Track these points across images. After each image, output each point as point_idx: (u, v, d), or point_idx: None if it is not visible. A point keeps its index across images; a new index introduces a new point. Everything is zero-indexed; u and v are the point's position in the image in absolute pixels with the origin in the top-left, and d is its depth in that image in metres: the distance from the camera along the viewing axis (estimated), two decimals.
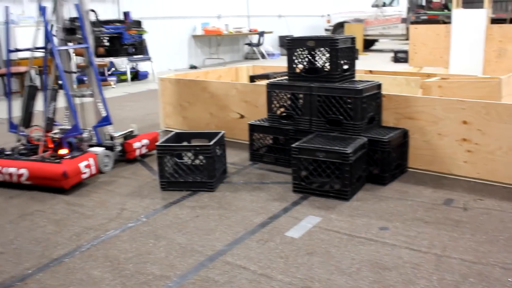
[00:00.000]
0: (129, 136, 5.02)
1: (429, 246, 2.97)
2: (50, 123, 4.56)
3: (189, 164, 4.35)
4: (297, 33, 19.53)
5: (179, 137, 4.48)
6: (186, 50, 14.82)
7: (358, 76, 4.97)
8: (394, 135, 4.09)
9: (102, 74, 11.51)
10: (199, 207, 3.69)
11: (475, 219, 3.33)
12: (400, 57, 14.01)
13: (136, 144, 4.87)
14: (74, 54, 10.36)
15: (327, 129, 4.29)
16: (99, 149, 4.64)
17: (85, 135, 4.75)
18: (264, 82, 5.74)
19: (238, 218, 3.47)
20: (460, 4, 8.03)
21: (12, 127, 4.71)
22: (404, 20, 17.21)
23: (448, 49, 8.23)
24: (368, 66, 12.59)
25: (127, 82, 11.74)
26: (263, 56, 16.87)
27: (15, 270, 2.85)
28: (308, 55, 4.45)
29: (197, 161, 4.33)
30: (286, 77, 4.64)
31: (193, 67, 14.57)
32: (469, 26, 7.77)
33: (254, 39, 16.78)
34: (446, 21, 15.46)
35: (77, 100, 5.04)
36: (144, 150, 4.98)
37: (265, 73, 6.44)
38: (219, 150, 4.20)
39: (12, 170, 4.20)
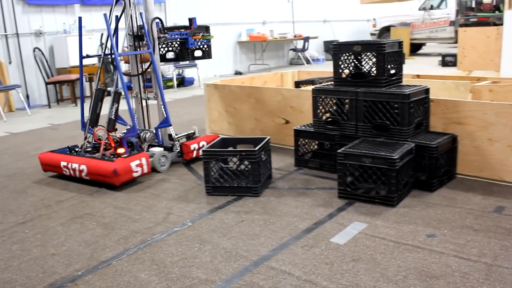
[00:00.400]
0: (189, 137, 5.21)
1: (479, 254, 2.89)
2: (111, 123, 4.76)
3: (234, 169, 4.38)
4: (342, 38, 19.43)
5: (225, 142, 4.52)
6: (231, 56, 14.95)
7: (405, 81, 4.91)
8: (443, 141, 4.01)
9: (149, 80, 11.74)
10: (244, 212, 3.71)
11: None
12: (448, 61, 13.74)
13: (193, 146, 5.01)
14: (123, 62, 10.62)
15: (373, 135, 4.25)
16: (157, 149, 4.89)
17: (147, 135, 5.00)
18: (309, 87, 5.73)
19: (283, 223, 3.47)
20: None
21: (84, 126, 5.02)
22: (452, 23, 16.86)
23: (499, 52, 8.02)
24: (416, 71, 12.38)
25: (173, 88, 11.94)
26: (308, 62, 16.84)
27: (66, 271, 2.94)
28: (355, 60, 4.42)
29: (242, 166, 4.35)
30: (332, 82, 4.62)
31: (238, 73, 14.68)
32: None
33: (299, 44, 16.78)
34: (497, 23, 15.05)
35: (144, 103, 5.30)
36: (201, 152, 4.99)
37: (310, 78, 6.42)
38: (264, 156, 4.22)
39: (75, 165, 4.58)
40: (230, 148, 4.51)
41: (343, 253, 2.98)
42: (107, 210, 3.90)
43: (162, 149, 4.94)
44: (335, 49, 4.46)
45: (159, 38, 5.03)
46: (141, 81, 5.24)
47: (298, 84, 6.30)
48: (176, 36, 5.19)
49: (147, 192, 4.28)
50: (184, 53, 5.32)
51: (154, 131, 5.11)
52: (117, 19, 4.99)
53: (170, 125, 5.05)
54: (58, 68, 10.43)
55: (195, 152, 5.04)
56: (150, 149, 4.93)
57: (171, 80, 12.09)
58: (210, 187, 4.11)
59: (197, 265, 2.93)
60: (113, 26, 4.77)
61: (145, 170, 4.55)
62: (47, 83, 9.81)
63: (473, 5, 16.75)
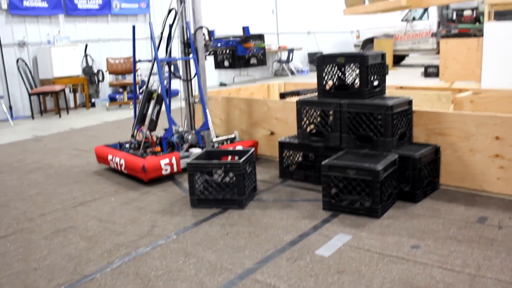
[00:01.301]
0: (230, 141, 5.31)
1: (462, 265, 2.91)
2: (153, 124, 5.21)
3: (219, 182, 4.36)
4: (327, 49, 19.53)
5: (210, 154, 4.51)
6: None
7: (388, 92, 4.94)
8: (425, 152, 4.04)
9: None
10: (229, 225, 3.69)
11: (510, 237, 3.24)
12: (430, 71, 13.89)
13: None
14: (107, 73, 10.56)
15: (357, 146, 4.26)
16: (195, 150, 5.09)
17: (189, 136, 5.21)
18: (294, 99, 5.75)
19: (267, 235, 3.46)
20: (492, 17, 7.93)
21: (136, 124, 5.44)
22: (434, 34, 17.06)
23: (480, 63, 8.12)
24: (398, 82, 12.49)
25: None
26: (292, 73, 16.90)
27: (48, 286, 2.89)
28: (338, 72, 4.45)
29: (227, 179, 4.34)
30: (316, 94, 4.64)
31: (222, 84, 14.69)
32: (501, 39, 7.65)
33: (284, 56, 16.85)
34: (478, 34, 15.26)
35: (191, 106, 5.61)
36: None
37: (295, 90, 6.44)
38: (249, 168, 4.21)
39: (117, 159, 5.06)
40: (215, 160, 4.50)
41: (328, 265, 2.98)
42: (90, 223, 3.86)
43: (200, 150, 5.02)
44: (319, 61, 4.48)
45: (205, 46, 5.26)
46: (189, 86, 5.48)
47: (283, 96, 6.32)
48: (219, 44, 5.37)
49: (131, 205, 4.24)
50: (236, 61, 5.50)
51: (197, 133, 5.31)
52: (170, 27, 5.35)
53: (208, 128, 5.21)
54: (42, 79, 10.34)
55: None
56: (190, 149, 5.06)
57: (155, 91, 12.02)
58: (195, 200, 4.09)
59: (181, 278, 2.91)
60: (166, 33, 5.29)
61: (175, 169, 4.84)
62: (30, 94, 9.73)
63: (454, 17, 16.99)
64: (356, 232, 3.44)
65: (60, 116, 9.89)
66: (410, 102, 4.33)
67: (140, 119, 5.36)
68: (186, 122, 5.62)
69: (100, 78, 11.19)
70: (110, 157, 5.17)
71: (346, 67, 4.41)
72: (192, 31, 5.29)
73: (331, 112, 4.39)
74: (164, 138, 5.14)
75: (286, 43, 17.31)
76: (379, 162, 3.76)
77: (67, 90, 10.69)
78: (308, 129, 4.60)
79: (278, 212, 3.91)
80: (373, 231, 3.44)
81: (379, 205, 3.67)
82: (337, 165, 3.81)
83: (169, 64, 5.40)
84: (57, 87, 9.74)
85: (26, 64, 10.00)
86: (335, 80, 4.47)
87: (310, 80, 14.35)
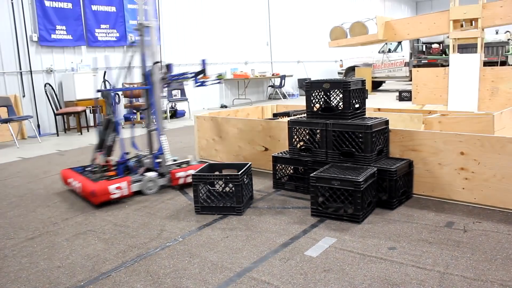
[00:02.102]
0: (182, 165, 5.06)
1: (433, 264, 2.89)
2: (109, 150, 4.82)
3: (220, 191, 4.35)
4: (314, 76, 19.65)
5: (212, 167, 4.50)
6: (217, 92, 14.99)
7: (368, 114, 4.95)
8: (400, 165, 4.04)
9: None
10: (229, 229, 3.67)
11: (474, 240, 3.24)
12: (404, 96, 13.94)
13: (180, 174, 4.84)
14: (123, 96, 10.57)
15: (341, 160, 4.26)
16: (150, 174, 4.79)
17: (144, 160, 4.98)
18: (286, 119, 5.75)
19: (262, 239, 3.44)
20: (456, 49, 7.99)
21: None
22: (407, 64, 17.17)
23: (446, 88, 8.16)
24: (377, 105, 12.55)
25: (167, 119, 11.90)
26: (284, 97, 16.95)
27: (70, 281, 2.86)
28: (324, 96, 4.46)
29: (227, 189, 4.33)
30: (305, 115, 4.64)
31: (223, 106, 14.71)
32: (464, 68, 7.71)
33: (277, 81, 16.91)
34: (444, 64, 15.39)
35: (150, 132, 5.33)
36: (189, 180, 4.86)
37: (286, 111, 6.46)
38: (247, 179, 4.20)
39: (75, 183, 4.76)
40: (217, 173, 4.49)
41: (316, 265, 2.96)
42: (107, 227, 3.84)
43: (154, 174, 4.81)
44: (307, 86, 4.50)
45: (162, 79, 5.06)
46: (149, 113, 5.22)
47: (275, 116, 6.33)
48: (176, 77, 5.24)
49: (143, 211, 4.22)
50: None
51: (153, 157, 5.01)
52: (130, 60, 5.15)
53: (162, 153, 4.95)
54: (66, 101, 10.34)
55: (181, 180, 4.85)
56: (146, 173, 4.82)
57: (164, 112, 12.06)
58: (198, 207, 4.07)
59: (187, 276, 2.88)
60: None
61: (125, 193, 4.48)
62: (56, 114, 9.71)
63: (424, 49, 17.12)
64: (340, 236, 3.42)
65: (81, 133, 9.86)
66: (387, 122, 4.34)
67: (99, 145, 4.90)
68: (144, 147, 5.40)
69: (117, 100, 11.18)
70: (69, 180, 4.90)
71: (331, 91, 4.42)
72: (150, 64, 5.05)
73: (318, 131, 4.40)
74: (121, 163, 4.81)
75: (279, 70, 17.41)
76: (360, 174, 3.76)
77: (87, 111, 10.69)
78: (298, 146, 4.60)
79: (272, 218, 3.89)
80: (355, 235, 3.43)
81: (360, 211, 3.66)
82: (323, 177, 3.80)
83: (113, 95, 5.03)
84: (79, 108, 9.74)
85: (52, 88, 10.00)
86: (321, 103, 4.48)
87: (299, 103, 14.39)
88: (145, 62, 5.02)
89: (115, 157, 4.90)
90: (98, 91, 5.05)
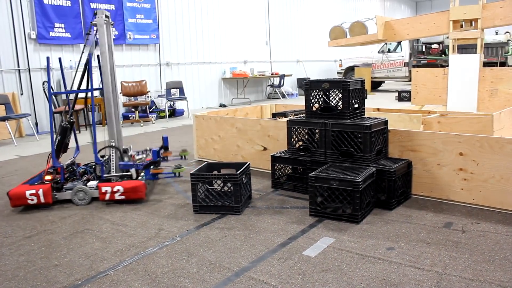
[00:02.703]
0: (124, 178, 4.63)
1: (431, 264, 2.90)
2: (57, 152, 4.77)
3: (218, 191, 4.35)
4: (313, 76, 19.66)
5: (210, 166, 4.50)
6: (216, 91, 14.99)
7: (367, 114, 4.96)
8: (399, 166, 4.05)
9: (144, 111, 11.70)
10: (227, 228, 3.67)
11: (472, 240, 3.24)
12: (403, 96, 13.95)
13: (106, 188, 4.37)
14: (121, 94, 10.54)
15: (340, 160, 4.27)
16: (90, 183, 4.52)
17: (81, 169, 4.78)
18: (285, 118, 5.76)
19: (261, 238, 3.44)
20: (456, 50, 8.00)
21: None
22: (406, 64, 17.18)
23: (446, 89, 8.17)
24: (376, 105, 12.55)
25: (166, 118, 11.90)
26: (283, 96, 16.96)
27: (67, 280, 2.86)
28: (323, 96, 4.47)
29: (225, 188, 4.33)
30: (304, 114, 4.65)
31: (222, 105, 14.71)
32: (464, 69, 7.72)
33: (276, 81, 16.91)
34: (444, 64, 15.41)
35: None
36: (117, 196, 4.38)
37: (284, 111, 6.46)
38: (245, 179, 4.20)
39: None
40: (215, 172, 4.49)
41: (314, 265, 2.96)
42: (105, 226, 3.84)
43: (95, 182, 4.50)
44: (306, 86, 4.50)
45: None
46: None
47: (274, 116, 6.33)
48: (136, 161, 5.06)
49: (141, 210, 4.22)
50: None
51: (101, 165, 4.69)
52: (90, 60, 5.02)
53: (98, 163, 4.69)
54: (64, 100, 10.33)
55: (107, 195, 4.36)
56: (90, 182, 4.56)
57: (163, 111, 12.06)
58: (197, 206, 4.07)
59: (185, 275, 2.89)
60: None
61: (42, 200, 4.32)
62: (54, 113, 9.70)
63: (424, 50, 17.14)
64: (338, 236, 3.43)
65: (79, 131, 9.85)
66: (386, 123, 4.35)
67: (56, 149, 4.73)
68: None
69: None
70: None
71: (331, 91, 4.43)
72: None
73: (317, 131, 4.40)
74: (64, 168, 4.65)
75: (278, 70, 17.41)
76: (359, 175, 3.76)
77: (85, 109, 10.67)
78: (297, 145, 4.60)
79: (270, 217, 3.89)
80: (354, 235, 3.43)
81: (359, 212, 3.66)
82: (322, 177, 3.81)
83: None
84: (78, 107, 9.71)
85: (51, 86, 9.99)
86: (320, 102, 4.48)
87: (298, 102, 14.39)
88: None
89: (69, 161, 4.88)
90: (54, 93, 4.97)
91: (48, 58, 4.95)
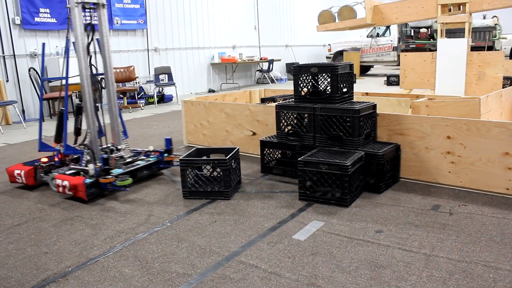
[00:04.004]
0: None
1: (419, 246, 2.94)
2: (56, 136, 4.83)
3: (208, 176, 4.35)
4: (302, 60, 19.60)
5: (199, 152, 4.49)
6: (205, 76, 14.90)
7: (355, 98, 4.97)
8: (388, 149, 4.07)
9: (133, 97, 11.61)
10: (217, 214, 3.68)
11: (459, 222, 3.29)
12: (392, 80, 13.98)
13: (58, 181, 4.16)
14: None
15: (329, 145, 4.28)
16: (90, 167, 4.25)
17: (74, 156, 4.72)
18: (273, 103, 5.75)
19: (250, 223, 3.46)
20: (444, 34, 8.01)
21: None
22: (395, 48, 17.19)
23: (434, 73, 8.20)
24: (364, 89, 12.58)
25: (154, 104, 11.83)
26: (272, 81, 16.91)
27: (57, 267, 2.86)
28: (312, 80, 4.46)
29: (215, 173, 4.33)
30: (292, 99, 4.65)
31: (211, 90, 14.64)
32: (452, 53, 7.74)
33: (265, 66, 16.85)
34: (432, 49, 15.44)
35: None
36: (67, 191, 4.12)
37: (273, 96, 6.45)
38: (234, 163, 4.20)
39: None
40: (204, 157, 4.48)
41: (304, 248, 2.98)
42: (95, 212, 3.82)
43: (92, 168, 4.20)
44: (295, 71, 4.49)
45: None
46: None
47: (263, 101, 6.32)
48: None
49: (130, 196, 4.21)
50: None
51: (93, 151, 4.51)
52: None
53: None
54: (51, 86, 10.21)
55: (60, 188, 4.14)
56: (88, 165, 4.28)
57: (152, 97, 11.97)
58: (186, 192, 4.07)
59: (175, 260, 2.89)
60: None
61: (24, 181, 4.52)
62: (43, 99, 9.59)
63: (412, 34, 17.14)
64: (328, 219, 3.45)
65: (67, 118, 9.76)
66: (374, 107, 4.36)
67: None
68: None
69: (103, 85, 11.07)
70: None
71: (319, 76, 4.42)
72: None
73: (306, 115, 4.41)
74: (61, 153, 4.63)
75: (267, 54, 17.34)
76: (347, 159, 3.78)
77: (73, 96, 10.57)
78: (286, 130, 4.60)
79: (260, 202, 3.91)
80: (343, 218, 3.46)
81: (348, 195, 3.69)
82: (311, 161, 3.82)
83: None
84: (62, 93, 9.62)
85: (37, 72, 9.86)
86: (309, 87, 4.48)
87: (287, 87, 14.37)
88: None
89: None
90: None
91: (43, 44, 4.86)
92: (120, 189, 4.25)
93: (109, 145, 4.83)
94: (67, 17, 4.64)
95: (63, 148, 4.60)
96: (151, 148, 5.03)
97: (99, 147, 4.64)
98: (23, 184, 4.59)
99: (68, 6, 4.56)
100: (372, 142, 4.36)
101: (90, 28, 4.76)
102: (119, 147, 4.81)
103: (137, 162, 4.79)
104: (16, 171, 4.56)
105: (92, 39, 4.82)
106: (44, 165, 4.60)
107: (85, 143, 4.61)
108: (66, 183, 4.11)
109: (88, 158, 4.49)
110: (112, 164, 4.49)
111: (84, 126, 4.69)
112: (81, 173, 4.39)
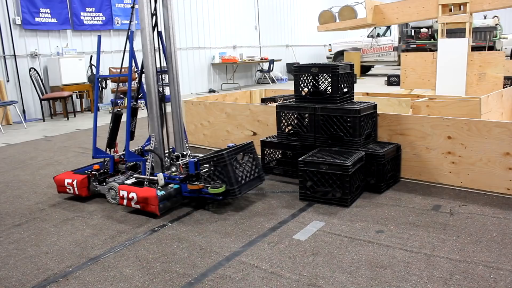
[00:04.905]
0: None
1: (419, 246, 2.94)
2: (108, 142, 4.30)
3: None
4: (303, 60, 19.60)
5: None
6: (206, 76, 14.91)
7: (356, 98, 4.96)
8: (388, 149, 4.07)
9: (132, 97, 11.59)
10: (217, 213, 3.68)
11: (460, 222, 3.29)
12: (393, 80, 13.98)
13: (123, 192, 3.75)
14: (109, 81, 10.42)
15: (329, 145, 4.28)
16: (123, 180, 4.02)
17: (130, 163, 4.31)
18: (274, 103, 5.75)
19: (251, 223, 3.46)
20: (445, 34, 8.01)
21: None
22: (395, 49, 17.19)
23: (434, 73, 8.20)
24: (365, 89, 12.57)
25: None
26: (272, 81, 16.91)
27: (58, 267, 2.86)
28: (313, 80, 4.46)
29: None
30: (293, 99, 4.64)
31: (212, 90, 14.64)
32: (452, 53, 7.74)
33: (265, 66, 16.85)
34: (433, 49, 15.43)
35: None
36: (134, 205, 3.70)
37: (274, 96, 6.45)
38: (243, 159, 3.98)
39: None
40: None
41: (304, 248, 2.99)
42: (95, 213, 3.83)
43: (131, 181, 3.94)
44: (296, 71, 4.49)
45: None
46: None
47: (264, 101, 6.32)
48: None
49: None
50: None
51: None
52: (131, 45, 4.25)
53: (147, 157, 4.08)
54: (52, 86, 10.22)
55: (125, 201, 3.74)
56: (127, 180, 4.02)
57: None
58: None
59: (175, 260, 2.90)
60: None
61: (76, 192, 4.05)
62: (41, 100, 9.60)
63: (413, 34, 17.14)
64: (328, 219, 3.45)
65: (68, 119, 9.77)
66: (375, 107, 4.36)
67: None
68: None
69: (104, 85, 11.09)
70: None
71: (320, 76, 4.42)
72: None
73: (306, 115, 4.41)
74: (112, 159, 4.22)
75: (267, 54, 17.35)
76: (348, 159, 3.78)
77: (74, 96, 10.58)
78: (287, 130, 4.60)
79: (260, 202, 3.91)
80: (343, 218, 3.46)
81: (348, 195, 3.69)
82: (312, 161, 3.82)
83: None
84: (65, 93, 9.63)
85: (37, 73, 9.86)
86: (310, 87, 4.48)
87: (288, 87, 14.37)
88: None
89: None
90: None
91: (99, 36, 4.21)
92: (212, 197, 3.74)
93: (170, 150, 4.30)
94: (131, 6, 4.06)
95: (126, 155, 4.05)
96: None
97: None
98: (74, 195, 4.15)
99: None
100: (373, 142, 4.35)
101: (155, 19, 4.12)
102: (184, 152, 4.33)
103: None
104: (67, 180, 4.06)
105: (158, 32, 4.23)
106: (97, 173, 4.12)
107: (146, 148, 4.11)
108: (133, 195, 3.65)
109: (151, 165, 3.99)
110: (180, 172, 4.02)
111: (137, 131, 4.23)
112: (146, 183, 3.90)
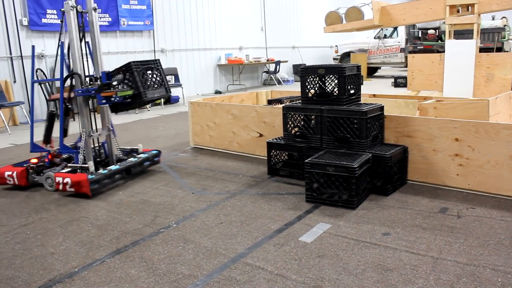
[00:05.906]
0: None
1: (426, 249, 2.92)
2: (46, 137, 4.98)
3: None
4: (309, 62, 19.59)
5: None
6: (212, 77, 14.93)
7: (363, 100, 4.95)
8: (395, 151, 4.06)
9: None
10: (223, 215, 3.68)
11: (467, 225, 3.27)
12: (399, 82, 13.94)
13: (58, 179, 4.31)
14: None
15: (336, 146, 4.27)
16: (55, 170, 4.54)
17: (64, 156, 4.83)
18: (280, 105, 5.75)
19: (257, 224, 3.46)
20: (452, 35, 7.98)
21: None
22: (402, 50, 17.15)
23: (442, 75, 8.16)
24: (372, 91, 12.54)
25: (161, 105, 11.86)
26: (279, 82, 16.91)
27: (64, 268, 2.88)
28: (319, 81, 4.46)
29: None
30: (300, 101, 4.64)
31: (218, 92, 14.66)
32: (460, 54, 7.71)
33: (271, 67, 16.85)
34: (440, 50, 15.38)
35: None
36: (68, 188, 4.29)
37: (280, 97, 6.45)
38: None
39: None
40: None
41: (310, 250, 2.98)
42: (100, 213, 3.84)
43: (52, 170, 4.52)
44: (302, 72, 4.49)
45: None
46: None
47: (270, 102, 6.32)
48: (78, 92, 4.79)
49: (136, 197, 4.22)
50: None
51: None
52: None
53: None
54: (58, 87, 10.27)
55: (61, 186, 4.31)
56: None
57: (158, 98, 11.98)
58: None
59: (181, 262, 2.90)
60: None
61: (16, 182, 4.58)
62: (48, 100, 9.65)
63: (420, 35, 17.09)
64: (334, 221, 3.45)
65: (74, 119, 9.81)
66: (382, 108, 4.35)
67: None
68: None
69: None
70: None
71: (326, 77, 4.42)
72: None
73: (313, 117, 4.40)
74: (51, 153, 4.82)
75: (273, 56, 17.34)
76: (355, 160, 3.77)
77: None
78: (293, 132, 4.60)
79: (266, 204, 3.91)
80: (350, 221, 3.45)
81: (355, 197, 3.68)
82: (318, 163, 3.82)
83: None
84: (72, 94, 9.66)
85: (44, 73, 9.92)
86: (316, 88, 4.48)
87: (294, 88, 14.37)
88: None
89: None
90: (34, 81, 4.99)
91: (33, 46, 4.86)
92: (122, 102, 4.44)
93: (100, 144, 5.11)
94: (61, 20, 4.71)
95: (60, 147, 4.72)
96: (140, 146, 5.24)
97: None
98: (14, 185, 4.65)
99: (62, 9, 4.60)
100: (380, 144, 4.34)
101: (82, 31, 4.85)
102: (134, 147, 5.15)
103: (130, 159, 4.91)
104: (7, 173, 4.60)
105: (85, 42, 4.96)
106: (34, 165, 4.69)
107: (77, 143, 4.83)
108: (67, 180, 4.26)
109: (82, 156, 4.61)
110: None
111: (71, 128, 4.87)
112: (79, 170, 4.48)
